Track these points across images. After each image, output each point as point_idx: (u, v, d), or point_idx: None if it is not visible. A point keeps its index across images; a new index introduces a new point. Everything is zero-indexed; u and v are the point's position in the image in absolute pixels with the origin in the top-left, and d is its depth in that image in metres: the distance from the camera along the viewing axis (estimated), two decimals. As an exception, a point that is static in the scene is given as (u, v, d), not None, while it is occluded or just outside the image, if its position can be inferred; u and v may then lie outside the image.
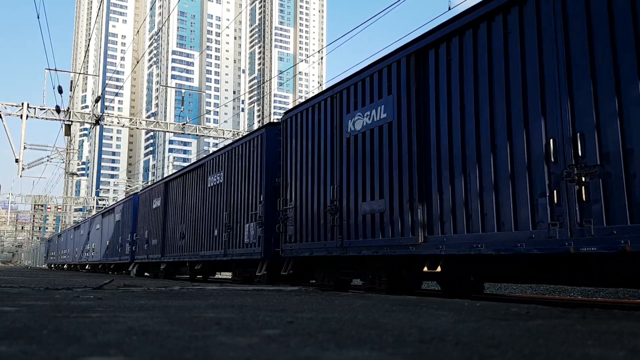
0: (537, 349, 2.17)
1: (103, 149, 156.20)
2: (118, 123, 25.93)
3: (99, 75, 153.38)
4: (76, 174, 56.15)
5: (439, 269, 6.57)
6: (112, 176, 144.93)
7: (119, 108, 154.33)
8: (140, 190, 21.12)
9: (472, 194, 6.09)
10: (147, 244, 18.86)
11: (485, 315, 3.74)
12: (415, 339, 2.44)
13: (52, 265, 51.97)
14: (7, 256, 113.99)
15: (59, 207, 66.43)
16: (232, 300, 5.19)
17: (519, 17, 5.72)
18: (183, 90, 36.37)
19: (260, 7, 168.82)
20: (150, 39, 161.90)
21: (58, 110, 22.68)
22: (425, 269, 6.72)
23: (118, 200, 25.17)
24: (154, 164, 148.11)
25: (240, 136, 11.90)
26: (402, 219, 7.05)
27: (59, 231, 61.02)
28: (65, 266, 44.18)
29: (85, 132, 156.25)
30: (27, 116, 22.09)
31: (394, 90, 7.41)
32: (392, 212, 7.24)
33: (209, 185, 13.84)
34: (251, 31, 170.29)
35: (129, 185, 62.05)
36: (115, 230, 23.97)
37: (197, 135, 26.83)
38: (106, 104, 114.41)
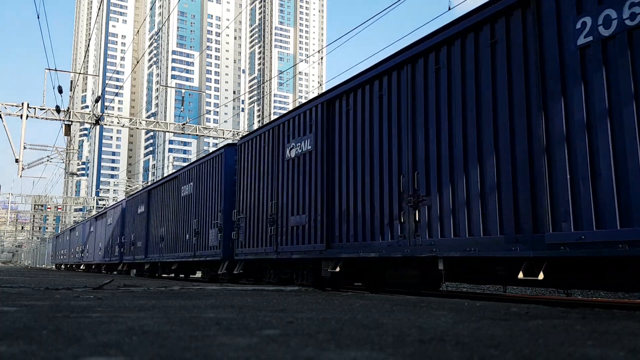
0: (537, 349, 2.17)
1: (103, 149, 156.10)
2: (118, 123, 25.92)
3: (99, 75, 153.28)
4: (76, 174, 56.12)
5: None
6: (112, 176, 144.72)
7: (119, 108, 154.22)
8: (241, 138, 12.63)
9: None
10: (281, 228, 10.42)
11: (485, 315, 3.74)
12: (415, 339, 2.44)
13: (62, 266, 44.61)
14: (7, 256, 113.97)
15: (59, 207, 66.41)
16: (232, 301, 5.19)
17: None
18: (183, 90, 36.30)
19: (260, 7, 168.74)
20: (150, 39, 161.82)
21: (58, 110, 22.67)
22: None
23: (161, 178, 18.35)
24: (154, 164, 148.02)
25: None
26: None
27: (59, 231, 60.46)
28: (82, 267, 36.43)
29: (85, 132, 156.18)
30: (27, 116, 22.08)
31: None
32: None
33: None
34: (251, 31, 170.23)
35: (129, 185, 61.97)
36: (181, 212, 16.14)
37: (197, 135, 26.80)
38: (106, 104, 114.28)
